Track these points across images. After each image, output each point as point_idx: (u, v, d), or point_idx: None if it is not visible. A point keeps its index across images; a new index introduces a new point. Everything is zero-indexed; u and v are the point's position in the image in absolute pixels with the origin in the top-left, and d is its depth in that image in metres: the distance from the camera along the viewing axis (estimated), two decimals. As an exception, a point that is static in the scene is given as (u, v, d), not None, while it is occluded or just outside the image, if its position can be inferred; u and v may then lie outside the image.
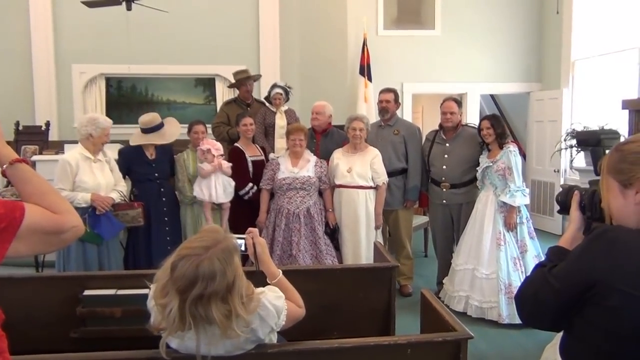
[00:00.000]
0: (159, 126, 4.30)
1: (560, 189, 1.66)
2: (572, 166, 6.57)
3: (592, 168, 6.04)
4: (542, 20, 7.54)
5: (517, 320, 4.01)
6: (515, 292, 3.97)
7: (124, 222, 4.01)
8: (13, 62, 7.47)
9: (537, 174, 7.53)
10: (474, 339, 2.04)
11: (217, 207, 4.43)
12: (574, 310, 1.36)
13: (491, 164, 4.27)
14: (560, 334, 1.51)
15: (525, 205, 4.32)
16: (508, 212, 4.20)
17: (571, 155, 6.36)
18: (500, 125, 4.29)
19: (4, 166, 1.30)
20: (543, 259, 4.24)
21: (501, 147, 4.27)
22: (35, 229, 1.24)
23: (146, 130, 4.28)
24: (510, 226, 4.20)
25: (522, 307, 1.46)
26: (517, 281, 4.10)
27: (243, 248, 2.03)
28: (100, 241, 3.84)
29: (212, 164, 4.28)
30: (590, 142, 5.12)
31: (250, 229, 2.14)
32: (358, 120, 4.49)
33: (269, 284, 2.02)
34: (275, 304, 1.85)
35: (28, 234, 1.22)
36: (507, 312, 4.07)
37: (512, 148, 4.25)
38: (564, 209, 1.60)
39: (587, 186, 1.55)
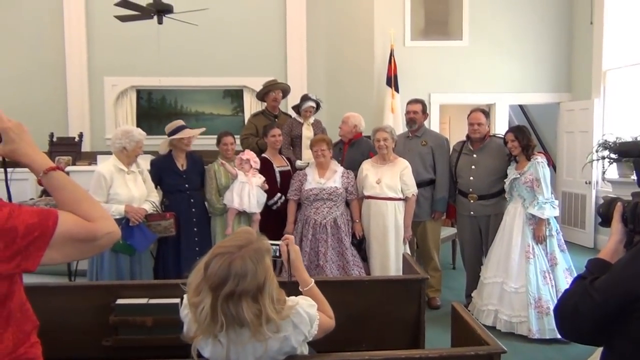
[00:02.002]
0: (180, 128, 4.35)
1: (601, 201, 1.62)
2: (605, 178, 6.44)
3: (625, 179, 5.92)
4: (573, 30, 7.45)
5: (547, 335, 3.96)
6: (544, 306, 3.92)
7: (156, 233, 4.07)
8: (48, 75, 7.69)
9: (567, 186, 7.40)
10: (506, 354, 2.00)
11: (244, 216, 4.46)
12: (616, 325, 1.33)
13: (519, 176, 4.21)
14: (600, 349, 1.48)
15: (555, 217, 4.24)
16: (537, 225, 4.13)
17: (603, 167, 6.25)
18: (525, 137, 4.22)
19: (40, 175, 1.32)
20: (574, 272, 4.16)
21: (529, 159, 4.20)
22: (68, 237, 1.25)
23: (170, 134, 4.36)
24: (539, 239, 4.13)
25: (562, 320, 1.43)
26: (547, 295, 4.02)
27: (277, 254, 2.05)
28: (132, 252, 3.89)
29: (247, 174, 4.35)
30: (633, 152, 4.99)
31: (287, 235, 2.18)
32: (381, 131, 4.49)
33: (300, 294, 2.04)
34: (309, 312, 1.85)
35: (62, 241, 1.23)
36: (537, 327, 4.00)
37: (540, 159, 4.19)
38: (606, 222, 1.54)
39: (630, 198, 1.51)
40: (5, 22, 7.53)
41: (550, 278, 4.09)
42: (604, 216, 1.55)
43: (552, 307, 3.99)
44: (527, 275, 4.08)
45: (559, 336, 3.89)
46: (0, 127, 1.30)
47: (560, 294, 3.97)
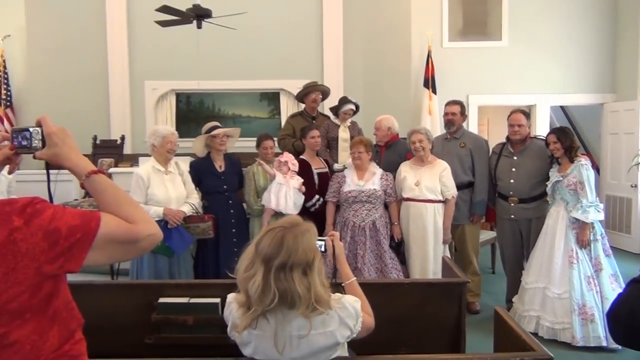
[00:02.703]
0: (214, 128, 4.41)
1: None
2: (652, 181, 6.23)
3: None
4: (618, 28, 7.23)
5: (592, 343, 3.85)
6: (589, 313, 3.81)
7: (194, 235, 4.12)
8: (92, 81, 7.91)
9: (612, 189, 7.17)
10: (552, 360, 1.95)
11: (280, 217, 4.48)
12: None
13: (561, 179, 4.11)
14: None
15: (599, 221, 4.12)
16: (580, 229, 4.02)
17: (651, 170, 6.04)
18: (568, 139, 4.12)
19: (82, 178, 1.34)
20: (620, 277, 4.01)
21: (572, 161, 4.10)
22: (110, 239, 1.27)
23: (206, 133, 4.43)
24: (583, 243, 4.01)
25: (616, 325, 1.39)
26: (591, 301, 3.91)
27: (323, 249, 2.09)
28: (171, 254, 3.95)
29: (285, 176, 4.38)
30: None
31: (332, 232, 2.25)
32: (416, 133, 4.45)
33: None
34: (354, 306, 1.87)
35: (104, 243, 1.25)
36: (582, 334, 3.89)
37: (584, 161, 4.07)
38: None
39: None
40: (53, 32, 7.77)
41: (594, 284, 3.97)
42: None
43: (596, 314, 3.88)
44: (571, 280, 3.97)
45: (604, 344, 3.82)
46: (45, 131, 1.33)
47: (605, 301, 3.88)
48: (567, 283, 4.00)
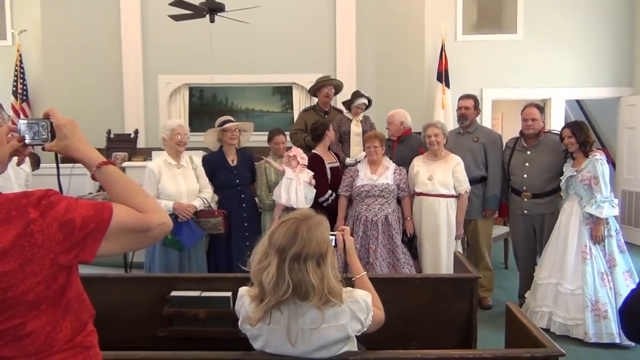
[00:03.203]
0: (225, 122, 4.42)
1: None
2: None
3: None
4: (635, 20, 7.11)
5: (605, 340, 3.82)
6: (602, 309, 3.77)
7: (205, 229, 4.13)
8: (106, 75, 7.96)
9: (628, 184, 7.08)
10: (565, 357, 1.93)
11: (291, 211, 4.48)
12: None
13: (575, 173, 4.06)
14: None
15: (614, 217, 4.07)
16: (594, 224, 3.97)
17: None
18: (582, 133, 4.06)
19: (92, 169, 1.36)
20: (634, 274, 3.95)
21: (586, 155, 4.04)
22: (123, 229, 1.29)
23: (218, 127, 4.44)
24: (597, 239, 3.97)
25: (628, 322, 1.36)
26: (604, 298, 3.87)
27: (334, 243, 2.11)
28: (181, 248, 3.96)
29: (294, 170, 4.37)
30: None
31: (342, 226, 2.26)
32: (432, 127, 4.43)
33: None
34: (365, 300, 1.88)
35: (116, 233, 1.27)
36: (594, 331, 3.85)
37: (599, 156, 4.02)
38: None
39: None
40: (66, 26, 7.82)
41: (608, 280, 3.93)
42: None
43: (610, 310, 3.85)
44: (584, 276, 3.93)
45: (617, 340, 3.79)
46: (54, 123, 1.35)
47: (618, 297, 3.85)
48: (580, 279, 3.96)
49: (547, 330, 4.00)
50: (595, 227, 3.97)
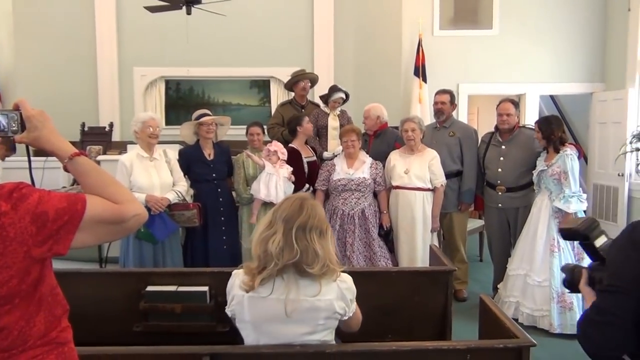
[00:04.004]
0: (202, 115, 4.39)
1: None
2: (638, 170, 6.28)
3: (660, 172, 5.76)
4: (608, 17, 7.23)
5: (569, 331, 3.88)
6: (567, 301, 3.83)
7: (179, 223, 4.08)
8: (79, 67, 7.81)
9: (599, 178, 7.23)
10: (535, 347, 1.98)
11: (270, 206, 4.48)
12: None
13: (546, 168, 4.13)
14: None
15: (583, 211, 4.15)
16: (563, 218, 4.04)
17: (637, 159, 6.08)
18: (547, 128, 4.12)
19: (65, 161, 1.35)
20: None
21: (557, 151, 4.12)
22: (97, 220, 1.28)
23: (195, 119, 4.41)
24: (564, 233, 4.04)
25: (586, 336, 1.35)
26: (571, 290, 3.95)
27: None
28: (154, 240, 3.91)
29: (274, 165, 4.35)
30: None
31: None
32: (409, 121, 4.46)
33: None
34: (352, 285, 1.96)
35: (91, 224, 1.26)
36: (559, 322, 3.95)
37: (570, 151, 4.09)
38: (572, 287, 1.57)
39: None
40: (39, 16, 7.65)
41: (576, 273, 4.00)
42: (570, 283, 1.57)
43: (575, 303, 3.93)
44: (551, 269, 4.01)
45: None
46: (24, 115, 1.33)
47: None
48: (547, 271, 4.04)
49: (515, 320, 4.06)
50: (563, 221, 4.03)
